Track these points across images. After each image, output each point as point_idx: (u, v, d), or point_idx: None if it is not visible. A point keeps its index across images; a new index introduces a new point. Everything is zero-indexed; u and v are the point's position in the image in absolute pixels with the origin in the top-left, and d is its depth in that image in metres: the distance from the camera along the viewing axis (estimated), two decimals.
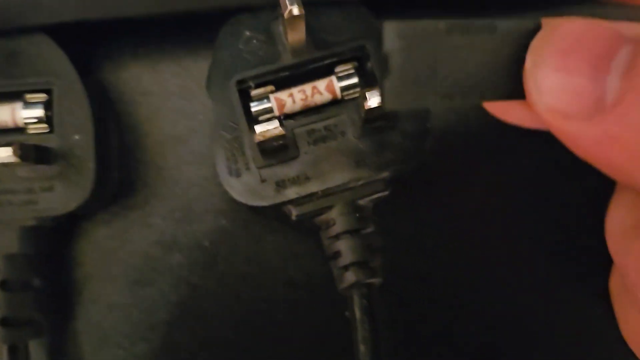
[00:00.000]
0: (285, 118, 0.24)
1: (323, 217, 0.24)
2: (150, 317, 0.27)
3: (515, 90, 0.16)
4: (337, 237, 0.24)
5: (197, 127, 0.27)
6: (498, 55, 0.16)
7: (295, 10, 0.21)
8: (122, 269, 0.27)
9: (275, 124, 0.22)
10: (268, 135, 0.22)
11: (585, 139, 0.16)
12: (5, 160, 0.22)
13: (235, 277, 0.27)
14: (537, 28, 0.16)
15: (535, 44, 0.16)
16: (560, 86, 0.15)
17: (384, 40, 0.15)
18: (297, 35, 0.23)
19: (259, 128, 0.22)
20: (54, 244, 0.26)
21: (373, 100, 0.22)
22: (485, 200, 0.27)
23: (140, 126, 0.28)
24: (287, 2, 0.21)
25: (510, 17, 0.16)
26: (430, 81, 0.16)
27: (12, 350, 0.24)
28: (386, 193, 0.24)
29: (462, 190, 0.27)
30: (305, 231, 0.26)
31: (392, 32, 0.15)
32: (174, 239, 0.27)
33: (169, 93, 0.27)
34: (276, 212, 0.24)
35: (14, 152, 0.22)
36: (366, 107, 0.22)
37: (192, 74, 0.27)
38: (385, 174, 0.24)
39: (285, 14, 0.21)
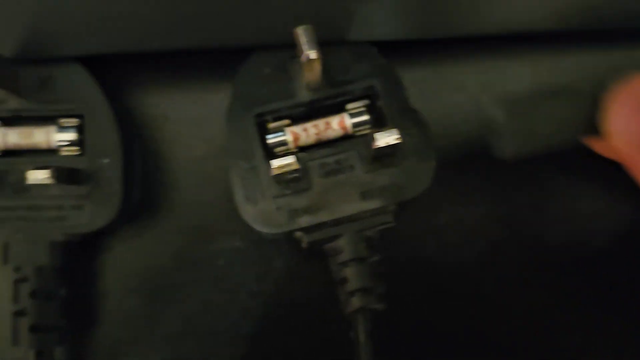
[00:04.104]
0: (299, 150, 0.26)
1: (332, 244, 0.26)
2: (164, 329, 0.29)
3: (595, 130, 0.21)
4: (344, 264, 0.26)
5: (214, 152, 0.29)
6: (580, 109, 0.22)
7: (312, 55, 0.23)
8: (140, 283, 0.29)
9: (292, 158, 0.23)
10: (284, 168, 0.23)
11: None
12: (42, 182, 0.24)
13: (245, 295, 0.29)
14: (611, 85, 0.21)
15: (612, 97, 0.21)
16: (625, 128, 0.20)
17: (498, 114, 0.22)
18: (312, 76, 0.25)
19: (276, 162, 0.23)
20: (79, 257, 0.28)
21: (381, 140, 0.23)
22: (479, 228, 0.29)
23: (161, 150, 0.29)
24: (304, 47, 0.23)
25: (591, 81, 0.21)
26: (533, 134, 0.22)
27: (39, 356, 0.26)
28: (392, 224, 0.26)
29: (459, 218, 0.29)
30: (313, 255, 0.27)
31: (499, 105, 0.22)
32: (189, 256, 0.29)
33: (188, 120, 0.29)
34: (288, 238, 0.26)
35: (51, 175, 0.23)
36: (374, 147, 0.24)
37: (210, 103, 0.29)
38: (390, 207, 0.25)
39: (302, 58, 0.23)
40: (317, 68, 0.24)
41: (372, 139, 0.23)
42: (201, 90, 0.29)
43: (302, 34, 0.23)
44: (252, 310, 0.29)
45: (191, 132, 0.29)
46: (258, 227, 0.25)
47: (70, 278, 0.27)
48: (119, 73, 0.29)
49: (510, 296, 0.29)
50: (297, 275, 0.29)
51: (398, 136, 0.23)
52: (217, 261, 0.29)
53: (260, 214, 0.25)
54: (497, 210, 0.30)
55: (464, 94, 0.30)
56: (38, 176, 0.24)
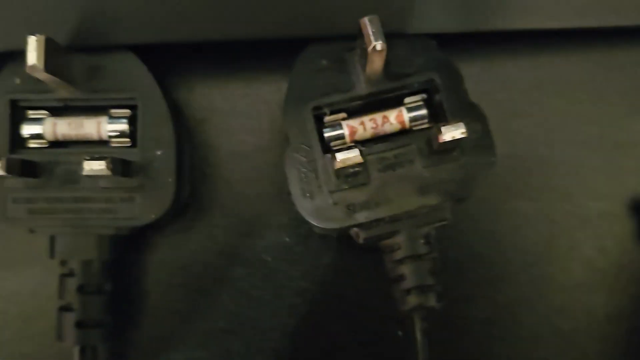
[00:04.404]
0: (354, 144, 0.25)
1: (388, 241, 0.25)
2: (209, 325, 0.28)
3: None
4: (400, 261, 0.25)
5: (263, 145, 0.28)
6: None
7: (379, 46, 0.22)
8: (185, 278, 0.28)
9: (356, 152, 0.23)
10: (348, 162, 0.23)
11: None
12: (99, 174, 0.23)
13: (292, 291, 0.28)
14: None
15: None
16: None
17: None
18: (375, 68, 0.24)
19: (340, 155, 0.23)
20: (125, 251, 0.27)
21: (447, 134, 0.23)
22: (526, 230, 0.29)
23: (209, 142, 0.29)
24: (372, 38, 0.22)
25: None
26: None
27: (83, 352, 0.26)
28: (449, 221, 0.25)
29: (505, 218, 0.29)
30: (361, 250, 0.27)
31: None
32: (236, 251, 0.28)
33: (238, 112, 0.29)
34: (339, 233, 0.26)
35: (107, 166, 0.23)
36: (440, 141, 0.23)
37: (260, 95, 0.28)
38: (448, 203, 0.25)
39: (369, 48, 0.22)
40: (382, 60, 0.24)
41: (439, 132, 0.23)
42: (251, 82, 0.29)
43: (368, 24, 0.22)
44: (299, 307, 0.28)
45: (240, 124, 0.29)
46: (315, 222, 0.25)
47: (115, 273, 0.27)
48: (168, 63, 0.28)
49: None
50: (343, 272, 0.29)
51: (464, 130, 0.23)
52: (264, 257, 0.29)
53: (317, 208, 0.25)
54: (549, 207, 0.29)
55: (515, 90, 0.29)
56: (94, 167, 0.23)
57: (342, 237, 0.26)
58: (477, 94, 0.25)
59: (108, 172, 0.23)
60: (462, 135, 0.23)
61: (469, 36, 0.27)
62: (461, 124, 0.23)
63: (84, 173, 0.23)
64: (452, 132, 0.23)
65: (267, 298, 0.28)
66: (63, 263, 0.26)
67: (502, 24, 0.26)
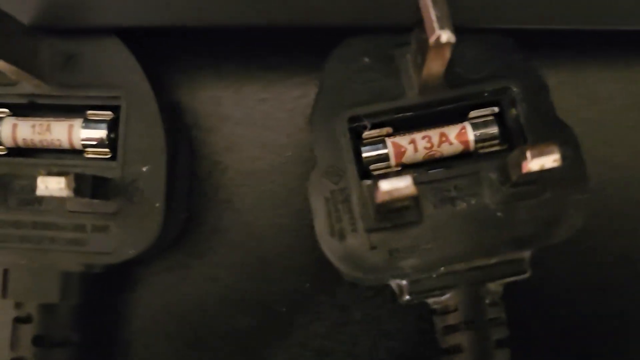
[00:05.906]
0: (402, 169, 0.21)
1: (442, 299, 0.20)
2: None
3: None
4: (455, 327, 0.20)
5: (283, 166, 0.24)
6: None
7: (445, 37, 0.17)
8: (178, 327, 0.24)
9: (407, 180, 0.17)
10: (396, 194, 0.17)
11: None
12: (56, 194, 0.18)
13: (312, 353, 0.24)
14: None
15: None
16: None
17: None
18: (435, 69, 0.19)
19: (385, 184, 0.17)
20: (101, 291, 0.23)
21: (535, 162, 0.17)
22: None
23: (215, 157, 0.24)
24: (436, 25, 0.17)
25: None
26: None
27: None
28: (526, 276, 0.20)
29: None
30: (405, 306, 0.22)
31: None
32: (242, 298, 0.24)
33: (252, 122, 0.24)
34: (379, 284, 0.21)
35: (67, 185, 0.18)
36: (525, 170, 0.17)
37: (282, 101, 0.24)
38: (527, 254, 0.20)
39: (431, 40, 0.17)
40: (445, 58, 0.18)
41: (523, 159, 0.17)
42: (271, 84, 0.24)
43: (431, 7, 0.17)
44: None
45: (255, 137, 0.24)
46: (345, 269, 0.20)
47: (86, 319, 0.22)
48: (168, 57, 0.24)
49: None
50: (378, 332, 0.24)
51: (558, 157, 0.17)
52: (278, 307, 0.24)
53: (349, 252, 0.20)
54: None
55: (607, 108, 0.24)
56: (50, 185, 0.18)
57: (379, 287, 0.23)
58: (560, 111, 0.21)
59: (69, 193, 0.18)
60: (555, 164, 0.17)
61: (554, 37, 0.22)
62: (555, 148, 0.17)
63: (38, 192, 0.18)
64: (542, 160, 0.17)
65: (280, 359, 0.24)
66: (17, 306, 0.21)
67: (602, 22, 0.21)
